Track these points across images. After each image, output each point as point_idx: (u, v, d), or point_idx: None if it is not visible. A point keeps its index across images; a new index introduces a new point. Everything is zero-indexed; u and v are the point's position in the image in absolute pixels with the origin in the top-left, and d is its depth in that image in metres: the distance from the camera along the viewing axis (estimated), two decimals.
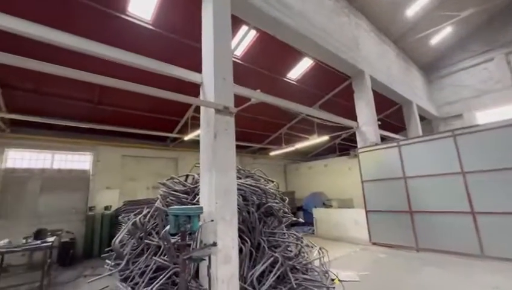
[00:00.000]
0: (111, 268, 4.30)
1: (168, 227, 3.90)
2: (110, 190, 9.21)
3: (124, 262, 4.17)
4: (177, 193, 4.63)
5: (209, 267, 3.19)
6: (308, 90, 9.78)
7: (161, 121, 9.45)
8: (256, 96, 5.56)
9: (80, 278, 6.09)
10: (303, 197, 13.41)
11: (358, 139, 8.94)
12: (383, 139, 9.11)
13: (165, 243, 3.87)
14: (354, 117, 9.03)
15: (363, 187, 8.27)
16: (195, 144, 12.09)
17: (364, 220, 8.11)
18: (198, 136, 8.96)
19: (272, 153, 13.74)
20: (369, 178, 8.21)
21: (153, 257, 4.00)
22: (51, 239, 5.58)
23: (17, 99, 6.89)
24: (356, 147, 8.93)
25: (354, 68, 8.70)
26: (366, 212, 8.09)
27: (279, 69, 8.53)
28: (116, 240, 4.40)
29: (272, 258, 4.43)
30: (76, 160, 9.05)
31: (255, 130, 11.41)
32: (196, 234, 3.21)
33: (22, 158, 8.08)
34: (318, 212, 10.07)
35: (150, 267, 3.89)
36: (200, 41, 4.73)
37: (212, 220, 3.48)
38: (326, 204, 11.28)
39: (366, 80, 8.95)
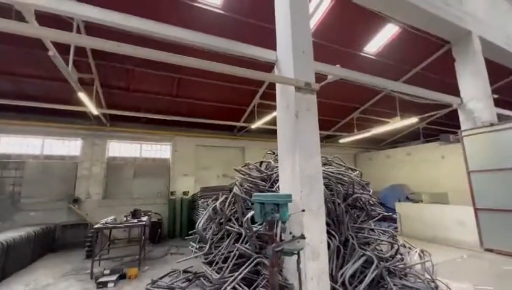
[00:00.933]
0: (196, 251, 4.45)
1: (249, 214, 3.72)
2: (187, 177, 9.98)
3: (207, 246, 4.25)
4: (256, 180, 4.44)
5: (299, 262, 2.84)
6: (390, 64, 8.32)
7: (229, 111, 9.61)
8: (337, 72, 4.85)
9: (167, 255, 6.71)
10: (379, 189, 11.90)
11: (461, 119, 7.15)
12: (499, 118, 7.04)
13: (247, 231, 3.71)
14: (450, 93, 7.24)
15: (470, 179, 6.59)
16: (260, 133, 12.20)
17: (471, 219, 6.50)
18: (266, 123, 8.62)
19: (342, 141, 12.58)
20: (478, 168, 6.48)
21: (236, 244, 3.91)
22: (144, 219, 6.26)
23: (114, 97, 7.94)
24: (451, 130, 7.16)
25: (456, 30, 6.89)
26: (476, 210, 6.44)
27: (355, 42, 7.44)
28: (199, 224, 4.52)
29: (364, 257, 3.81)
30: (159, 150, 10.08)
31: (324, 116, 10.54)
32: (285, 224, 2.88)
33: (119, 148, 9.43)
34: (402, 208, 8.68)
35: (233, 254, 3.82)
36: (270, 22, 4.33)
37: (303, 210, 3.09)
38: (411, 198, 9.67)
39: (473, 44, 7.00)
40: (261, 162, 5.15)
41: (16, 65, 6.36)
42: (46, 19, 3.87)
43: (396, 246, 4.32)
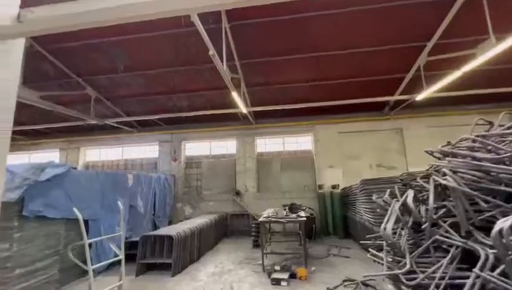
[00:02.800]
0: (387, 264, 3.29)
1: (509, 222, 2.12)
2: (333, 169, 8.98)
3: (407, 263, 2.98)
4: (486, 164, 2.69)
5: None
6: None
7: (377, 85, 7.71)
8: None
9: (330, 256, 5.96)
10: None
11: None
12: None
13: (504, 250, 2.12)
14: None
15: None
16: (425, 107, 9.15)
17: None
18: (440, 90, 5.99)
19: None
20: None
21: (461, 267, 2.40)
22: (303, 214, 5.81)
23: (256, 95, 8.25)
24: None
25: None
26: None
27: None
28: (386, 227, 3.32)
29: None
30: (301, 141, 9.73)
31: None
32: None
33: (265, 144, 9.88)
34: None
35: (469, 285, 2.35)
36: None
37: None
38: None
39: None
40: (483, 136, 3.21)
41: (188, 83, 7.80)
42: None
43: None
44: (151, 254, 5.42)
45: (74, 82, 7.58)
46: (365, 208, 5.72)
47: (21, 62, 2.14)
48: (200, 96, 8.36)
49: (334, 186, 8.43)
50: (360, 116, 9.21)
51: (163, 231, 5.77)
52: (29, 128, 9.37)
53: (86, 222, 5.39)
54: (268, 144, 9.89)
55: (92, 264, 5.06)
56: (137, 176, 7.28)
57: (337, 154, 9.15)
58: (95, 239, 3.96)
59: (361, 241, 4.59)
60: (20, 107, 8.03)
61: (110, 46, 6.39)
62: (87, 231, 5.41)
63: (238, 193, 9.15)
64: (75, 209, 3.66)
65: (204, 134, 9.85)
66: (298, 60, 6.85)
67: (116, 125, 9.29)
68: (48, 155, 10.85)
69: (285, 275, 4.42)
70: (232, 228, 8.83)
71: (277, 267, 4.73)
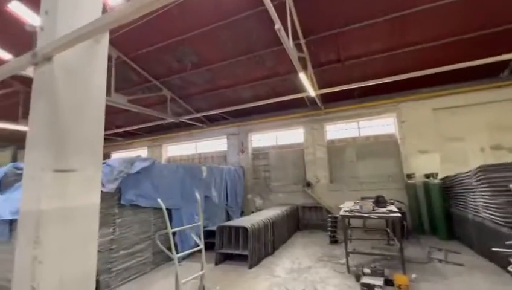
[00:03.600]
0: None
1: None
2: (426, 154, 7.36)
3: None
4: None
5: None
6: None
7: (485, 42, 5.77)
8: None
9: (434, 261, 4.80)
10: None
11: None
12: None
13: None
14: None
15: None
16: None
17: None
18: None
19: None
20: None
21: None
22: (393, 207, 4.85)
23: (325, 75, 7.40)
24: None
25: None
26: None
27: None
28: None
29: None
30: (381, 124, 8.37)
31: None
32: None
33: (336, 130, 8.92)
34: None
35: None
36: None
37: None
38: None
39: None
40: None
41: (250, 72, 7.59)
42: None
43: None
44: (227, 243, 5.48)
45: (153, 85, 8.39)
46: (486, 203, 4.32)
47: (106, 65, 2.23)
48: (263, 85, 8.07)
49: (429, 176, 6.88)
50: (462, 86, 7.21)
51: (238, 221, 5.77)
52: (123, 130, 11.04)
53: (169, 211, 5.90)
54: (341, 129, 8.88)
55: (177, 251, 5.42)
56: (210, 168, 7.57)
57: (431, 137, 7.44)
58: (178, 229, 4.12)
59: (494, 249, 3.40)
60: (116, 112, 9.41)
61: (178, 45, 6.70)
62: (170, 220, 5.92)
63: (308, 184, 8.57)
64: (159, 200, 3.86)
65: (270, 124, 9.58)
66: (374, 26, 5.71)
67: (188, 122, 9.98)
68: (139, 153, 12.65)
69: (379, 281, 3.69)
70: (304, 221, 8.36)
71: (366, 270, 4.01)
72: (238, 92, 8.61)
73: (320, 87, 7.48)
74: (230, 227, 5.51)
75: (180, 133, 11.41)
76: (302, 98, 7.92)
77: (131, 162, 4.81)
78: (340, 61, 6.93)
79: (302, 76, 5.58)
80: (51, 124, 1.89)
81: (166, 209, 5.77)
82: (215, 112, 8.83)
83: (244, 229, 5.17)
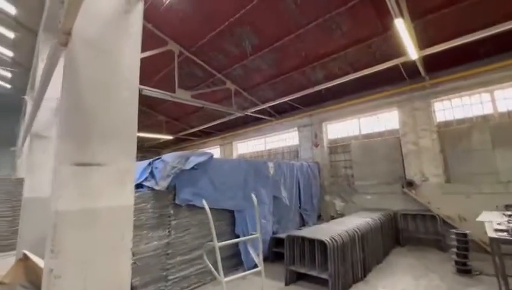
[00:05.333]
0: None
1: None
2: None
3: None
4: None
5: None
6: None
7: None
8: None
9: None
10: None
11: None
12: None
13: None
14: None
15: None
16: None
17: None
18: None
19: None
20: None
21: None
22: None
23: (429, 28, 5.17)
24: None
25: None
26: None
27: None
28: None
29: None
30: None
31: None
32: None
33: (450, 107, 6.32)
34: None
35: None
36: None
37: None
38: None
39: None
40: None
41: (320, 44, 6.14)
42: None
43: None
44: (300, 259, 4.28)
45: (217, 79, 8.05)
46: None
47: (139, 41, 2.01)
48: (338, 59, 6.44)
49: None
50: None
51: (313, 231, 4.47)
52: (197, 129, 11.39)
53: (231, 213, 5.19)
54: (458, 106, 6.24)
55: (240, 263, 4.57)
56: (278, 164, 6.53)
57: None
58: (226, 242, 3.24)
59: None
60: (190, 112, 9.58)
61: (233, 27, 5.96)
62: (233, 223, 5.22)
63: (410, 184, 6.36)
64: (203, 202, 3.10)
65: (350, 109, 7.74)
66: None
67: (256, 115, 9.28)
68: (213, 152, 12.93)
69: None
70: (406, 233, 6.21)
71: None
72: (306, 74, 7.26)
73: (423, 47, 5.25)
74: (303, 239, 4.29)
75: (248, 129, 10.90)
76: (394, 69, 5.87)
77: (186, 157, 4.28)
78: (454, 3, 4.63)
79: (400, 24, 3.80)
80: (72, 109, 1.63)
81: (228, 210, 5.17)
82: (282, 100, 7.74)
83: (322, 243, 3.87)
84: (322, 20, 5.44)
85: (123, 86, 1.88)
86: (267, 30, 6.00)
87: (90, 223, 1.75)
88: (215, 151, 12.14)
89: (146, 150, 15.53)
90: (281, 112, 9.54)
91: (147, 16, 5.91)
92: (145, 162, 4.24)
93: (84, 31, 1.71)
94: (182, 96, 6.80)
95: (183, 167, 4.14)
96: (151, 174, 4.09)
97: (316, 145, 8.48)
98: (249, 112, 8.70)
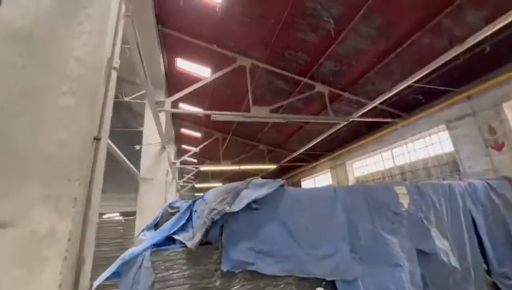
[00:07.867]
0: None
1: None
2: None
3: None
4: None
5: None
6: None
7: None
8: None
9: None
10: None
11: None
12: None
13: None
14: None
15: None
16: None
17: None
18: None
19: None
20: None
21: None
22: None
23: None
24: None
25: None
26: None
27: None
28: None
29: None
30: None
31: None
32: None
33: None
34: None
35: None
36: None
37: None
38: None
39: None
40: None
41: None
42: None
43: None
44: None
45: (303, 86, 6.41)
46: None
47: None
48: None
49: None
50: None
51: None
52: (297, 153, 9.75)
53: (332, 284, 2.94)
54: None
55: None
56: (418, 189, 3.64)
57: None
58: None
59: None
60: (288, 135, 8.25)
61: (298, 5, 4.30)
62: None
63: None
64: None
65: None
66: None
67: (368, 120, 6.63)
68: (322, 178, 10.71)
69: None
70: None
71: None
72: (444, 28, 4.24)
73: None
74: None
75: (362, 142, 8.11)
76: None
77: (235, 190, 2.75)
78: None
79: None
80: None
81: (324, 280, 3.00)
82: (406, 86, 4.90)
83: None
84: None
85: (62, 90, 1.32)
86: None
87: None
88: (325, 178, 9.91)
89: None
90: (407, 108, 6.36)
91: (208, 38, 5.44)
92: (186, 204, 3.04)
93: None
94: (259, 113, 5.60)
95: (228, 208, 2.61)
96: (190, 221, 2.83)
97: (498, 147, 4.63)
98: (355, 118, 6.26)
